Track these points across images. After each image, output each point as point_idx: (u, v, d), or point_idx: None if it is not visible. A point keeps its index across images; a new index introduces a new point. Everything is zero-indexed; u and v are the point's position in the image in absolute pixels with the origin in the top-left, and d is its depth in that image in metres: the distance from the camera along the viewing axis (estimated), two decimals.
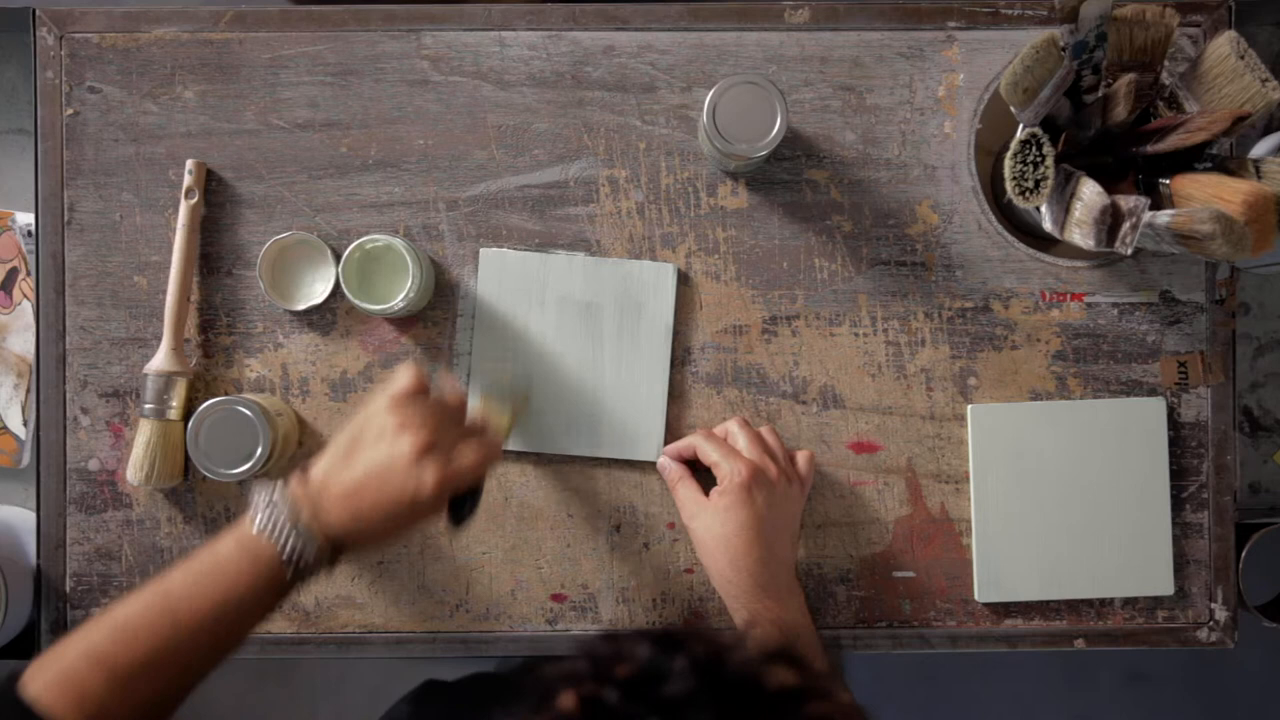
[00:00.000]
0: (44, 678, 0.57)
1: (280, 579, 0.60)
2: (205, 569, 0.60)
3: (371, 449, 0.61)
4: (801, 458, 0.78)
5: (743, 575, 0.72)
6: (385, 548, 0.81)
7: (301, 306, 0.81)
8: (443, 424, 0.62)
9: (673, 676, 0.43)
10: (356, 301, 0.77)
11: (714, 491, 0.75)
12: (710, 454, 0.76)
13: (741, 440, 0.76)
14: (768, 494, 0.73)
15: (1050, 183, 0.73)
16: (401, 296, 0.76)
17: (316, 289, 0.82)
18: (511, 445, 0.82)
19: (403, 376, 0.64)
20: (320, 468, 0.63)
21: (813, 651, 0.70)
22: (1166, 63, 0.76)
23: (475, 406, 0.68)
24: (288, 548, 0.60)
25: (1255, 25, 0.89)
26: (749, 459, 0.74)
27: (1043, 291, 0.83)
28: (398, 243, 0.77)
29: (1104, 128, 0.77)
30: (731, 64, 0.83)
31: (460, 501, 0.68)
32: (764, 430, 0.78)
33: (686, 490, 0.77)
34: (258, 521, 0.60)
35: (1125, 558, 0.82)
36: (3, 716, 0.56)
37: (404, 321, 0.83)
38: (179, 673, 0.59)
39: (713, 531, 0.73)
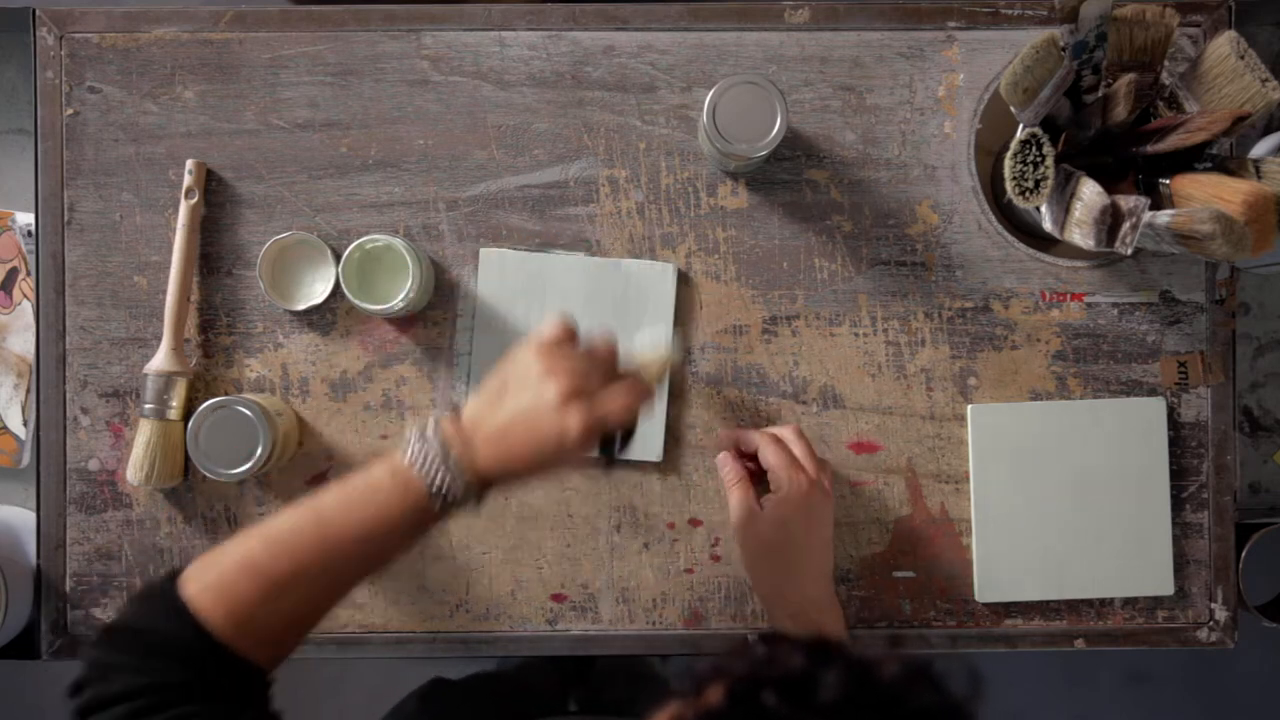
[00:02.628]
0: (201, 580, 0.59)
1: (429, 510, 0.62)
2: (358, 493, 0.62)
3: (518, 393, 0.63)
4: (828, 468, 0.78)
5: (792, 588, 0.72)
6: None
7: (301, 306, 0.81)
8: (589, 370, 0.64)
9: (826, 685, 0.44)
10: (356, 301, 0.77)
11: (768, 500, 0.73)
12: (771, 458, 0.74)
13: (799, 450, 0.75)
14: (819, 509, 0.73)
15: (1050, 183, 0.73)
16: (401, 296, 0.76)
17: (316, 289, 0.82)
18: None
19: (550, 323, 0.66)
20: (471, 409, 0.64)
21: None
22: (1166, 63, 0.76)
23: (628, 354, 0.68)
24: (437, 480, 0.61)
25: (1255, 25, 0.89)
26: (809, 473, 0.73)
27: (1043, 291, 0.83)
28: (398, 243, 0.77)
29: (1104, 128, 0.77)
30: (731, 64, 0.83)
31: (611, 439, 0.68)
32: (801, 433, 0.77)
33: (742, 495, 0.75)
34: (410, 453, 0.62)
35: (1125, 558, 0.82)
36: (161, 611, 0.58)
37: (404, 321, 0.83)
38: (325, 588, 0.62)
39: (764, 541, 0.73)
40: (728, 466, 0.77)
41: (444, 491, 0.61)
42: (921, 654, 0.72)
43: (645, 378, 0.68)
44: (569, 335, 0.65)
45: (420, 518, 0.62)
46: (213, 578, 0.59)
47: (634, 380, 0.65)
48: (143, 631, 0.58)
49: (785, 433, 0.76)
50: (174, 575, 0.60)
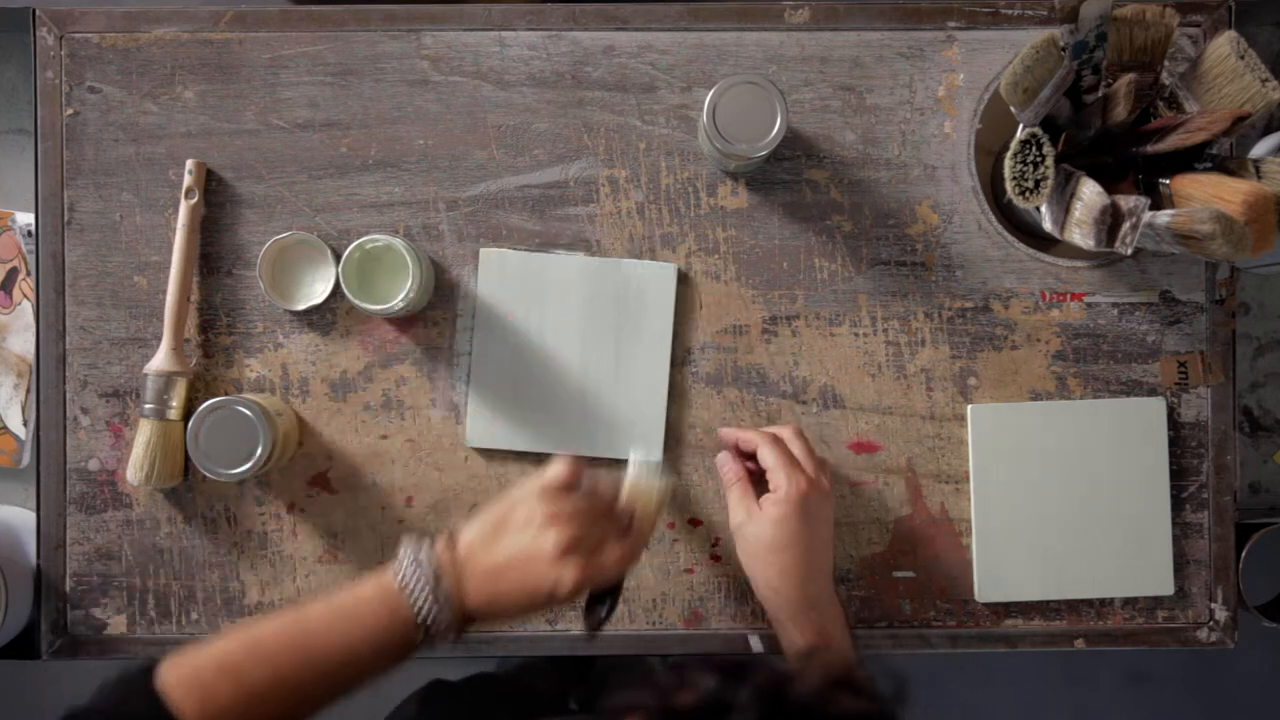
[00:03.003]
0: (177, 673, 0.59)
1: (412, 638, 0.62)
2: (344, 609, 0.62)
3: (518, 534, 0.63)
4: (827, 467, 0.77)
5: (791, 587, 0.71)
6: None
7: (301, 306, 0.81)
8: (591, 520, 0.64)
9: (737, 707, 0.44)
10: (356, 301, 0.77)
11: (767, 500, 0.72)
12: (769, 458, 0.73)
13: (799, 449, 0.74)
14: (818, 509, 0.72)
15: (1050, 183, 0.73)
16: (401, 296, 0.76)
17: (316, 289, 0.82)
18: (511, 445, 0.82)
19: (559, 466, 0.66)
20: (467, 539, 0.64)
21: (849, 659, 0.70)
22: (1166, 63, 0.76)
23: (624, 489, 0.69)
24: (424, 611, 0.61)
25: (1255, 25, 0.89)
26: (808, 473, 0.73)
27: (1043, 291, 0.83)
28: (398, 243, 0.77)
29: (1104, 128, 0.77)
30: (731, 64, 0.83)
31: (599, 599, 0.69)
32: (800, 432, 0.77)
33: (741, 495, 0.75)
34: (402, 575, 0.62)
35: (1125, 558, 0.82)
36: (133, 698, 0.58)
37: (404, 321, 0.83)
38: (299, 700, 0.61)
39: (763, 541, 0.72)
40: (727, 466, 0.77)
41: (429, 622, 0.61)
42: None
43: (641, 520, 0.68)
44: (576, 478, 0.65)
45: (403, 644, 0.62)
46: (190, 673, 0.59)
47: (630, 538, 0.66)
48: (113, 717, 0.57)
49: (784, 432, 0.76)
50: (151, 666, 0.60)
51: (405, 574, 0.62)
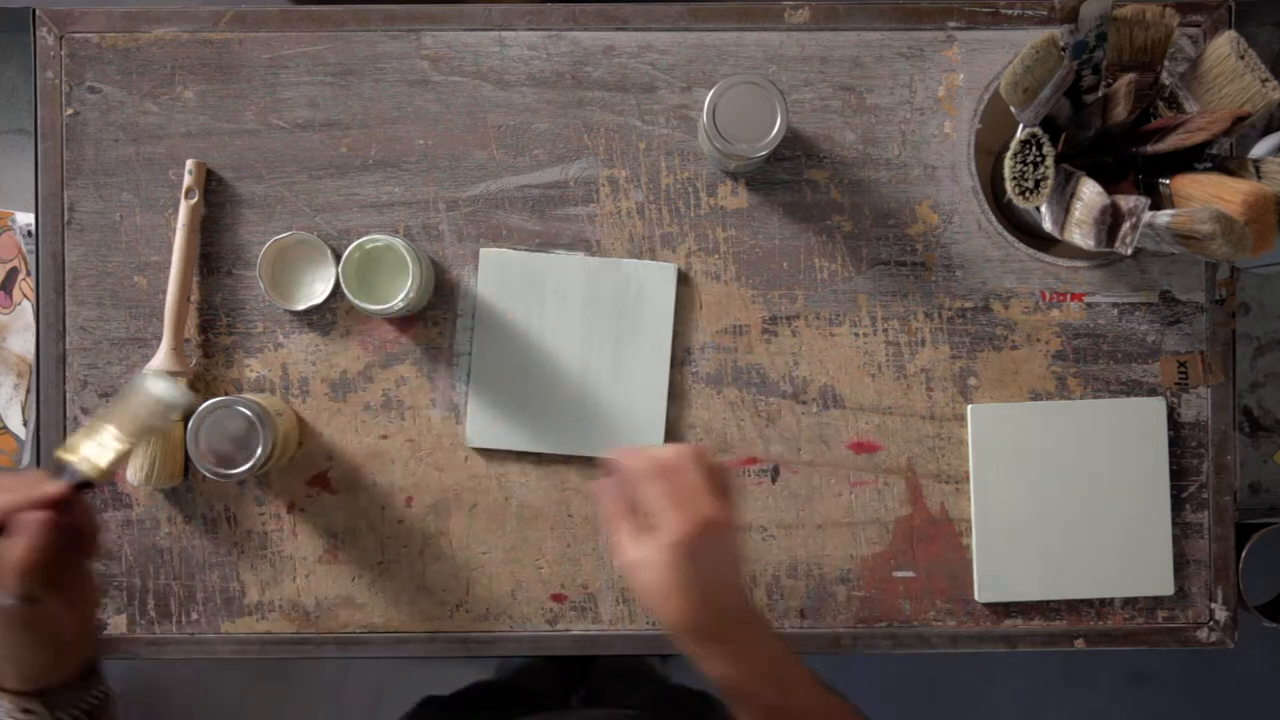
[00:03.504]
0: None
1: None
2: None
3: None
4: (728, 474, 0.68)
5: (695, 626, 0.64)
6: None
7: (301, 306, 0.81)
8: None
9: None
10: (356, 301, 0.77)
11: (653, 542, 0.63)
12: (651, 500, 0.65)
13: (688, 480, 0.65)
14: (713, 545, 0.64)
15: (1050, 183, 0.73)
16: (401, 296, 0.76)
17: (316, 289, 0.82)
18: (511, 445, 0.82)
19: None
20: None
21: (782, 675, 0.65)
22: (1166, 63, 0.76)
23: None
24: None
25: (1255, 25, 0.89)
26: (698, 509, 0.64)
27: (1043, 291, 0.83)
28: (398, 243, 0.77)
29: (1104, 128, 0.77)
30: (731, 64, 0.83)
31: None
32: (698, 456, 0.67)
33: (623, 533, 0.66)
34: None
35: (1125, 558, 0.82)
36: None
37: (404, 321, 0.83)
38: None
39: (654, 586, 0.64)
40: (606, 500, 0.68)
41: None
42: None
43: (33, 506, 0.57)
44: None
45: None
46: None
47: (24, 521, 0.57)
48: None
49: (673, 462, 0.66)
50: None
51: None
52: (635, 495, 0.66)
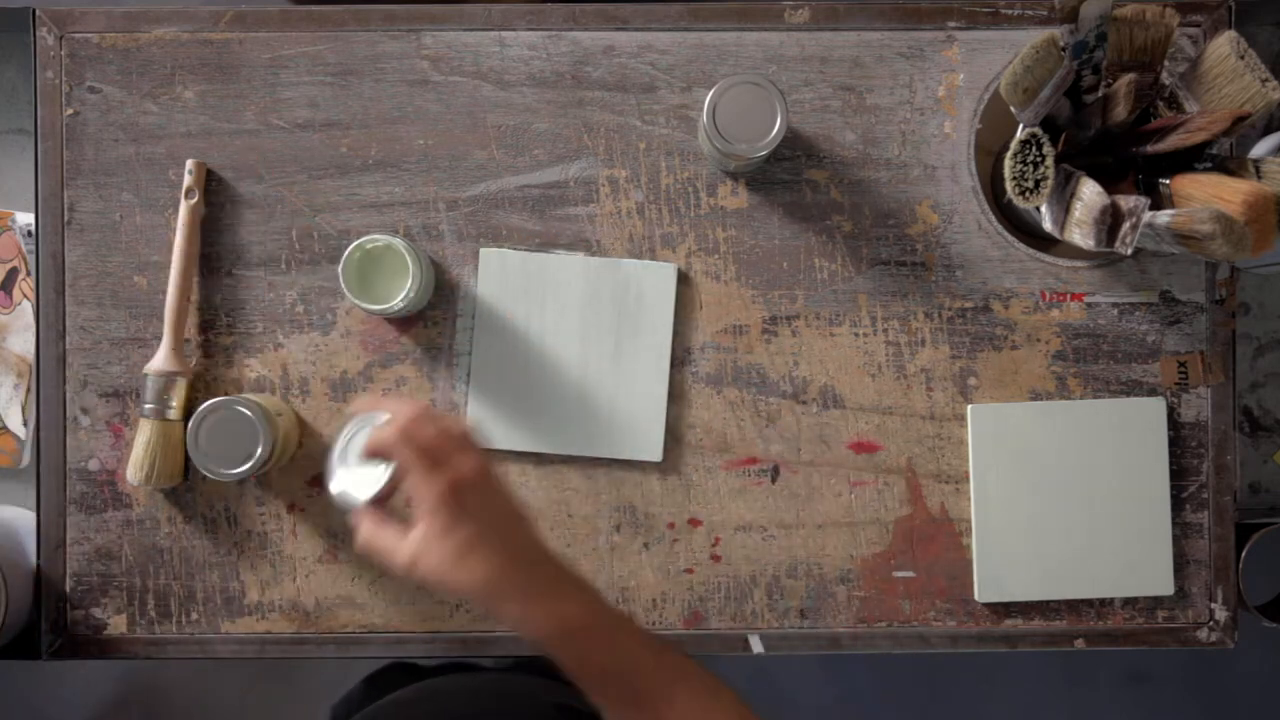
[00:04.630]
0: None
1: None
2: None
3: None
4: (465, 429, 0.65)
5: (499, 587, 0.62)
6: None
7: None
8: None
9: None
10: (356, 301, 0.77)
11: (419, 527, 0.61)
12: (407, 462, 0.62)
13: (424, 439, 0.63)
14: (476, 497, 0.62)
15: (1050, 183, 0.73)
16: (401, 296, 0.76)
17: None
18: (511, 445, 0.82)
19: None
20: None
21: (609, 631, 0.63)
22: (1166, 63, 0.76)
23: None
24: None
25: (1255, 25, 0.89)
26: (448, 466, 0.62)
27: (1043, 291, 0.83)
28: (398, 243, 0.77)
29: (1104, 128, 0.77)
30: (731, 64, 0.83)
31: None
32: (451, 422, 0.65)
33: (389, 536, 0.63)
34: None
35: (1125, 558, 0.82)
36: None
37: (404, 321, 0.83)
38: None
39: (442, 562, 0.61)
40: (360, 519, 0.65)
41: None
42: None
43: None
44: None
45: None
46: None
47: None
48: None
49: (403, 425, 0.63)
50: None
51: None
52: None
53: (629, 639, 0.63)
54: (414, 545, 0.62)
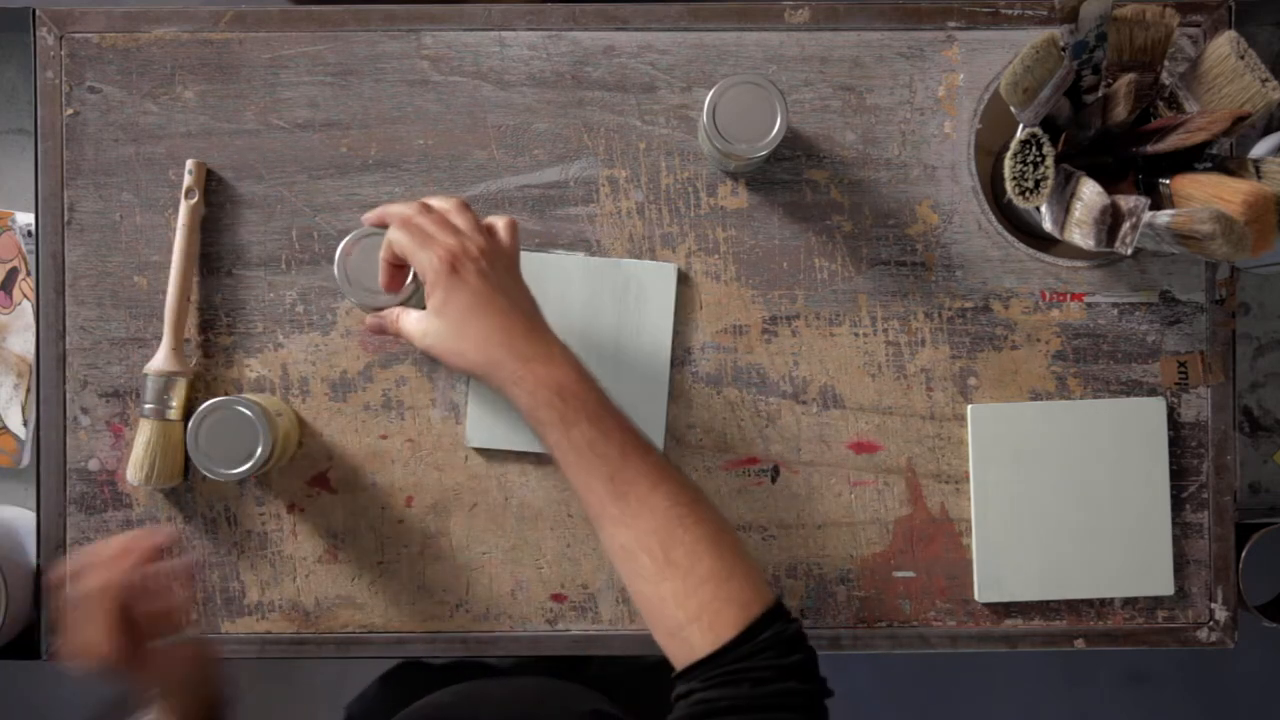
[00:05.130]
0: None
1: None
2: None
3: None
4: (501, 225, 0.71)
5: (495, 350, 0.66)
6: None
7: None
8: None
9: None
10: (356, 301, 0.77)
11: (429, 303, 0.67)
12: (403, 244, 0.67)
13: (428, 226, 0.68)
14: (477, 266, 0.66)
15: (1050, 183, 0.73)
16: (401, 296, 0.76)
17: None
18: (511, 445, 0.82)
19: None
20: None
21: (602, 407, 0.65)
22: (1166, 63, 0.76)
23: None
24: None
25: (1255, 25, 0.89)
26: (442, 241, 0.66)
27: (1043, 291, 0.83)
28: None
29: (1104, 128, 0.77)
30: (731, 64, 0.83)
31: None
32: (452, 208, 0.70)
33: (408, 320, 0.69)
34: None
35: (1125, 558, 0.82)
36: None
37: None
38: None
39: (446, 331, 0.66)
40: (381, 319, 0.72)
41: None
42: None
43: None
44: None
45: None
46: None
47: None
48: None
49: (407, 212, 0.69)
50: None
51: None
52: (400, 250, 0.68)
53: (617, 420, 0.66)
54: (422, 325, 0.67)
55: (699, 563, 0.61)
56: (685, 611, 0.61)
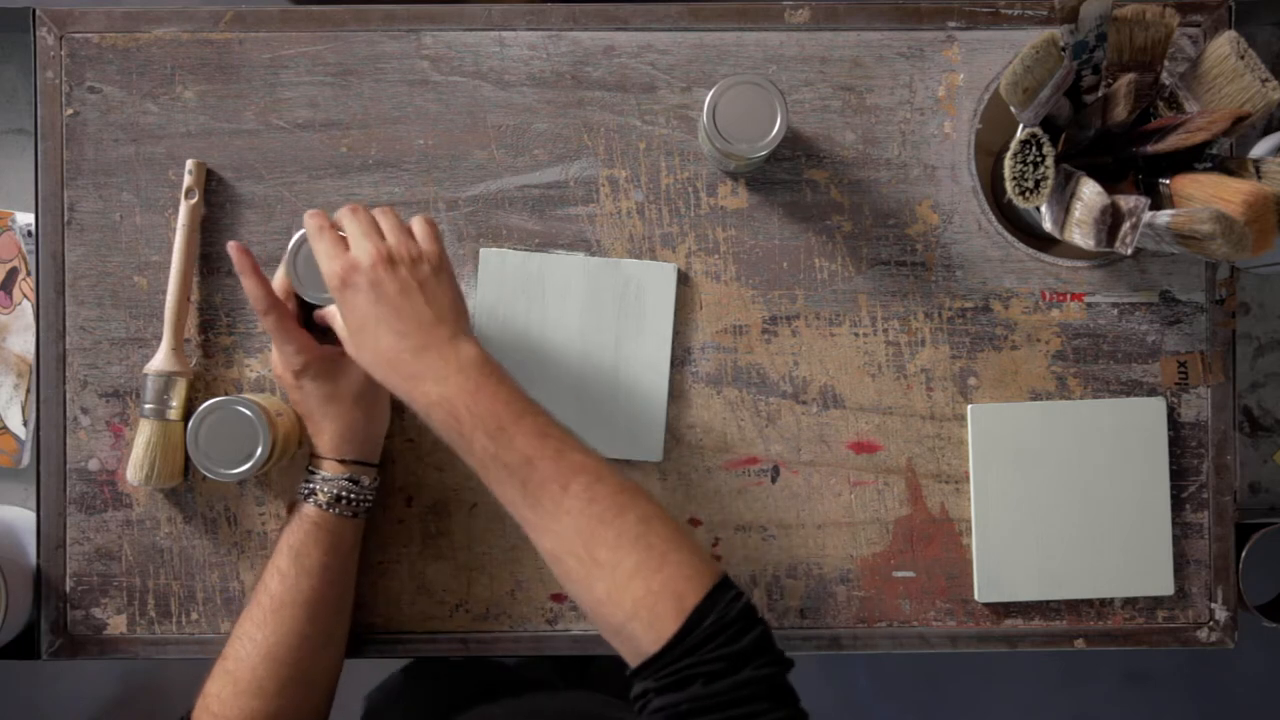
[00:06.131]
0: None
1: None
2: (290, 547, 0.75)
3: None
4: (416, 227, 0.70)
5: (385, 370, 0.66)
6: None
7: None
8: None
9: None
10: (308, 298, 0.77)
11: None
12: (317, 253, 0.68)
13: (354, 228, 0.68)
14: (364, 279, 0.65)
15: (1050, 183, 0.73)
16: None
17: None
18: None
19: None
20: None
21: (492, 416, 0.63)
22: (1166, 63, 0.76)
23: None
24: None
25: (1255, 25, 0.89)
26: (341, 256, 0.66)
27: (1043, 291, 0.83)
28: None
29: (1104, 128, 0.77)
30: (731, 64, 0.83)
31: None
32: (378, 212, 0.70)
33: (338, 324, 0.71)
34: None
35: (1125, 558, 0.82)
36: None
37: None
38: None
39: (351, 345, 0.68)
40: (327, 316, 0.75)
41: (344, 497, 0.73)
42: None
43: None
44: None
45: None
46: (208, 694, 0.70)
47: None
48: None
49: (340, 214, 0.70)
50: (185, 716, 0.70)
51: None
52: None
53: (522, 426, 0.63)
54: (342, 325, 0.69)
55: (625, 558, 0.59)
56: (622, 610, 0.59)
